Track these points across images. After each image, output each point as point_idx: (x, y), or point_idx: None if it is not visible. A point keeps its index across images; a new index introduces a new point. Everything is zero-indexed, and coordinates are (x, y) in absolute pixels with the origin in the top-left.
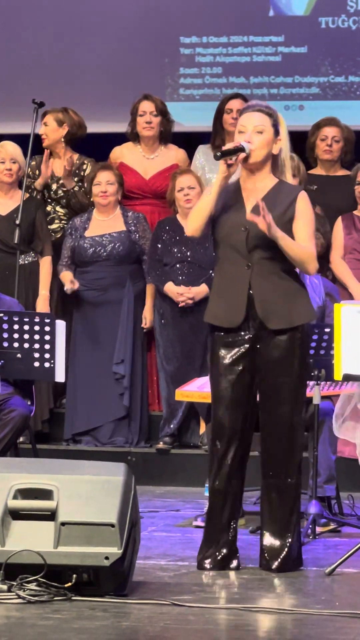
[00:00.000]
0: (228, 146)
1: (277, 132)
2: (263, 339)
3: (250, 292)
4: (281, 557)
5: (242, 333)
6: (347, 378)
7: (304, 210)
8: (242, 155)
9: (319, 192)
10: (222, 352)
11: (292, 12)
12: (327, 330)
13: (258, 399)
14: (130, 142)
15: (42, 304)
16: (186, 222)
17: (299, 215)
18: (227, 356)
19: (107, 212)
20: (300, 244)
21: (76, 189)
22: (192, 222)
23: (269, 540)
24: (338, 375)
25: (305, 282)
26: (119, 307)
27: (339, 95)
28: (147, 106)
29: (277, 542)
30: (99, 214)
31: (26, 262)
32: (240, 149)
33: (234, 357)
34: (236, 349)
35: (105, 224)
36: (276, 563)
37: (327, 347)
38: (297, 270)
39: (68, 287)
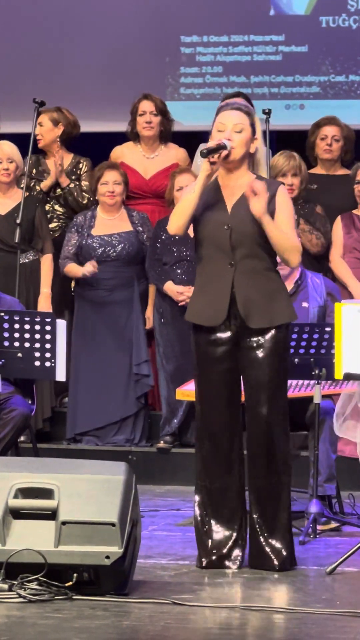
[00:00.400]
0: (211, 144)
1: (254, 132)
2: (244, 337)
3: (233, 290)
4: (272, 557)
5: (224, 331)
6: (348, 377)
7: (283, 203)
8: (224, 152)
9: (319, 191)
10: (205, 350)
11: (292, 12)
12: (327, 329)
13: (242, 398)
14: (130, 141)
15: (44, 302)
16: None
17: (279, 208)
18: (210, 355)
19: (112, 212)
20: (284, 232)
21: (72, 185)
22: (176, 221)
23: (256, 540)
24: (339, 374)
25: (307, 281)
26: (125, 307)
27: (339, 94)
28: (146, 106)
29: (265, 543)
30: (105, 212)
31: (26, 260)
32: (222, 147)
33: (217, 355)
34: (219, 348)
35: (111, 223)
36: (266, 563)
37: (328, 347)
38: (278, 268)
39: (90, 270)
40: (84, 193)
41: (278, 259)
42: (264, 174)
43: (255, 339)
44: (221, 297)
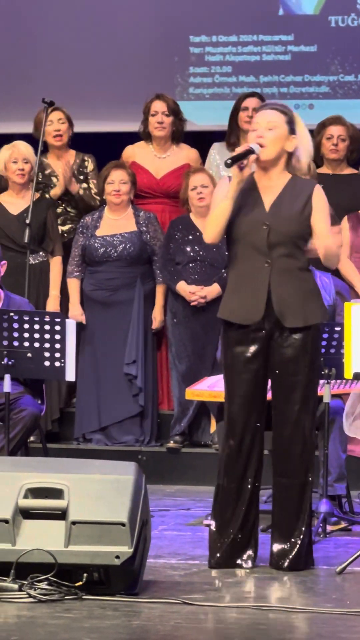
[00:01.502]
0: (238, 151)
1: (292, 131)
2: (277, 336)
3: (269, 289)
4: (290, 556)
5: (257, 330)
6: (358, 377)
7: (320, 203)
8: (253, 157)
9: (325, 191)
10: (237, 349)
11: (301, 11)
12: (337, 329)
13: (269, 396)
14: (142, 141)
15: (53, 305)
16: (203, 226)
17: (316, 209)
18: (242, 354)
19: (119, 211)
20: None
21: (81, 192)
22: (212, 230)
23: (277, 539)
24: (348, 374)
25: (316, 281)
26: (128, 307)
27: (348, 93)
28: (159, 106)
29: (286, 542)
30: (111, 212)
31: (36, 261)
32: (250, 152)
33: (249, 354)
34: (251, 347)
35: (116, 223)
36: (286, 562)
37: (338, 346)
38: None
39: (71, 317)
40: (95, 196)
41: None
42: (302, 172)
43: (288, 337)
44: (258, 296)
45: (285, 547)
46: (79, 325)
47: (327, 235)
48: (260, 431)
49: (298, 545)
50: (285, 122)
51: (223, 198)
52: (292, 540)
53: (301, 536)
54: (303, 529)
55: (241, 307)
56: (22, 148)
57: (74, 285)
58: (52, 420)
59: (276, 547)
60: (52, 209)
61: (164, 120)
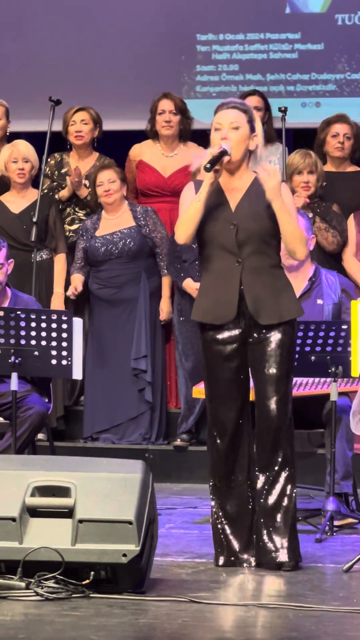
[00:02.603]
0: (213, 152)
1: (252, 129)
2: (253, 334)
3: (241, 287)
4: (276, 553)
5: (232, 329)
6: None
7: (285, 198)
8: (227, 158)
9: (329, 189)
10: (214, 349)
11: (308, 9)
12: (344, 327)
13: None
14: (149, 139)
15: (57, 302)
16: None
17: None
18: (220, 353)
19: (114, 210)
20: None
21: (89, 197)
22: (184, 230)
23: (260, 535)
24: (355, 372)
25: (321, 279)
26: (135, 304)
27: (355, 92)
28: (166, 105)
29: (270, 538)
30: (108, 213)
31: (40, 259)
32: (224, 153)
33: (226, 353)
34: (227, 346)
35: (114, 222)
36: (270, 558)
37: (345, 344)
38: (289, 262)
39: (70, 292)
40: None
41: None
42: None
43: (263, 334)
44: (230, 295)
45: (268, 544)
46: (87, 323)
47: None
48: (246, 429)
49: (284, 541)
50: (247, 122)
51: (195, 199)
52: (276, 536)
53: (286, 532)
54: (288, 524)
55: (214, 307)
56: (22, 147)
57: (77, 277)
58: (57, 417)
59: (259, 543)
60: (54, 206)
61: (172, 119)
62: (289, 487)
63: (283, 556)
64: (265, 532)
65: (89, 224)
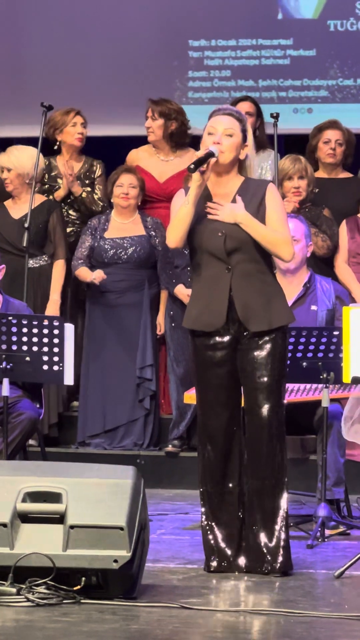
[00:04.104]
0: (199, 154)
1: (245, 138)
2: (243, 340)
3: (231, 294)
4: (268, 559)
5: (223, 336)
6: (356, 381)
7: (273, 200)
8: (213, 160)
9: (321, 195)
10: (204, 355)
11: (300, 15)
12: (336, 333)
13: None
14: (147, 145)
15: (52, 309)
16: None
17: (269, 205)
18: (210, 359)
19: (126, 215)
20: (271, 229)
21: (84, 195)
22: (174, 234)
23: (252, 542)
24: (347, 378)
25: (315, 285)
26: (135, 310)
27: (347, 98)
28: (149, 110)
29: (262, 545)
30: (118, 216)
31: (36, 265)
32: (210, 154)
33: (216, 360)
34: (218, 352)
35: (125, 226)
36: (262, 565)
37: (336, 350)
38: (284, 267)
39: (98, 277)
40: (98, 201)
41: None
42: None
43: (254, 341)
44: (219, 302)
45: (262, 550)
46: (85, 329)
47: (276, 227)
48: (237, 435)
49: (275, 549)
50: (240, 130)
51: (183, 202)
52: (268, 543)
53: (277, 539)
54: (279, 531)
55: (204, 314)
56: (3, 157)
57: (84, 270)
58: (49, 425)
59: (251, 550)
60: (56, 212)
61: (151, 124)
62: (280, 494)
63: (274, 562)
64: (256, 538)
65: (95, 222)
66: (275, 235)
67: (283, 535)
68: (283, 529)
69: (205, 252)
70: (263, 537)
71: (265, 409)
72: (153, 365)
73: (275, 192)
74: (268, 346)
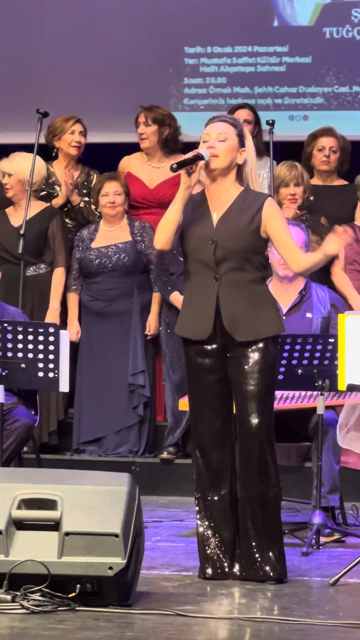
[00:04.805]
0: (186, 156)
1: (242, 143)
2: (232, 349)
3: (218, 303)
4: (263, 567)
5: (213, 344)
6: (351, 388)
7: (273, 214)
8: (201, 163)
9: (317, 202)
10: (195, 363)
11: (296, 22)
12: (331, 340)
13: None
14: (139, 152)
15: (52, 317)
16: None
17: (274, 221)
18: (200, 367)
19: (114, 223)
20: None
21: (81, 205)
22: (160, 235)
23: (247, 550)
24: (342, 386)
25: (311, 292)
26: (126, 318)
27: (343, 105)
28: (141, 117)
29: (257, 553)
30: (106, 224)
31: (34, 273)
32: (199, 157)
33: (206, 367)
34: (208, 359)
35: (111, 234)
36: (257, 573)
37: (331, 358)
38: (282, 274)
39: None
40: (96, 212)
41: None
42: (256, 186)
43: (243, 350)
44: (206, 311)
45: (257, 558)
46: (80, 336)
47: (297, 251)
48: (230, 442)
49: (269, 556)
50: (236, 135)
51: (172, 204)
52: (262, 551)
53: (272, 547)
54: (273, 539)
55: (192, 323)
56: (3, 163)
57: (72, 300)
58: (49, 432)
59: (246, 559)
60: (56, 219)
61: (144, 131)
62: (274, 501)
63: (269, 570)
64: (251, 545)
65: (85, 234)
66: (310, 265)
67: (278, 543)
68: (278, 536)
69: (195, 259)
70: (257, 545)
71: (255, 418)
72: (145, 371)
73: (275, 208)
74: (257, 355)
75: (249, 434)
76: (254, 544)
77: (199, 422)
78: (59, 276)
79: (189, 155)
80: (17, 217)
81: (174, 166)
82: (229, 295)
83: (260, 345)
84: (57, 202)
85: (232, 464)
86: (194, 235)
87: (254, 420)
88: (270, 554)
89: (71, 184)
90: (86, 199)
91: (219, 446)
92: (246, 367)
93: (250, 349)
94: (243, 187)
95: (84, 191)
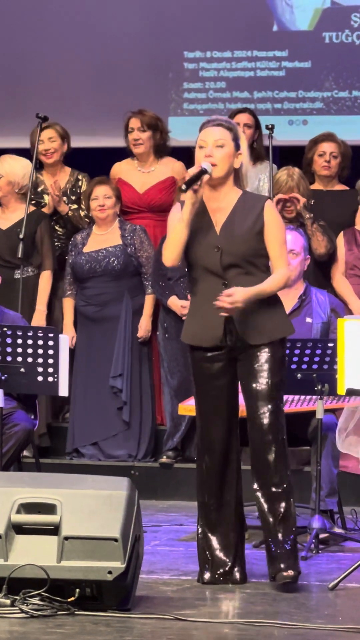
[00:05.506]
0: (190, 172)
1: (237, 146)
2: (242, 353)
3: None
4: (277, 566)
5: (220, 349)
6: (351, 392)
7: (272, 220)
8: (206, 177)
9: (318, 207)
10: (203, 368)
11: (295, 27)
12: (330, 345)
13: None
14: (128, 157)
15: (38, 320)
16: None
17: (268, 226)
18: (208, 372)
19: (105, 226)
20: (274, 277)
21: (70, 214)
22: (170, 253)
23: (269, 551)
24: (341, 390)
25: (311, 297)
26: (116, 322)
27: (342, 110)
28: (134, 122)
29: (271, 554)
30: (98, 228)
31: (23, 276)
32: (203, 172)
33: (214, 372)
34: (216, 364)
35: (102, 238)
36: (273, 572)
37: (331, 362)
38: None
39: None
40: (85, 218)
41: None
42: (245, 183)
43: (251, 353)
44: (216, 317)
45: (278, 558)
46: (76, 340)
47: (279, 266)
48: (235, 446)
49: (282, 557)
50: (232, 139)
51: (179, 220)
52: (276, 551)
53: (283, 547)
54: (286, 539)
55: (202, 330)
56: None
57: (68, 306)
58: (39, 435)
59: (270, 559)
60: (44, 223)
61: (140, 136)
62: (287, 502)
63: (288, 567)
64: (267, 548)
65: (78, 239)
66: (279, 280)
67: (292, 543)
68: (291, 535)
69: (201, 267)
70: (271, 546)
71: (267, 418)
72: (122, 375)
73: (274, 211)
74: (267, 355)
75: (261, 433)
76: (269, 544)
77: (206, 426)
78: (45, 279)
79: (194, 171)
80: (4, 219)
81: (183, 187)
82: None
83: (270, 346)
84: (44, 212)
85: (236, 469)
86: (198, 244)
87: (265, 421)
88: (283, 554)
89: (58, 195)
90: (74, 206)
91: (225, 450)
92: (257, 367)
93: (260, 351)
94: (241, 189)
95: (72, 197)
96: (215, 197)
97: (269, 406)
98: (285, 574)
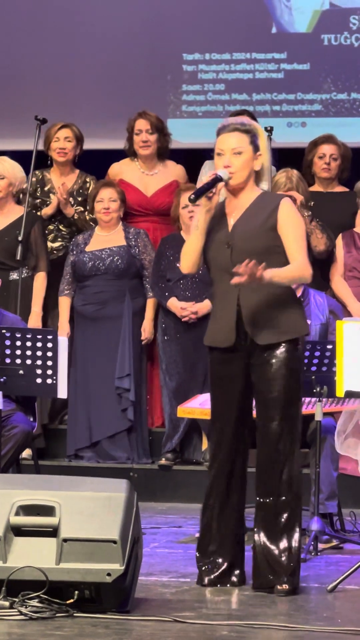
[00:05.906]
0: (204, 182)
1: (256, 148)
2: (255, 354)
3: (239, 308)
4: (278, 576)
5: (236, 350)
6: (349, 395)
7: (288, 215)
8: (221, 184)
9: (317, 209)
10: (218, 370)
11: (294, 29)
12: (329, 347)
13: (254, 415)
14: (127, 158)
15: (34, 322)
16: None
17: (284, 221)
18: (223, 374)
19: (109, 229)
20: (291, 266)
21: (76, 217)
22: (187, 261)
23: (262, 559)
24: (340, 392)
25: (309, 299)
26: (117, 321)
27: (341, 112)
28: (142, 124)
29: (273, 562)
30: (101, 230)
31: (17, 278)
32: (218, 180)
33: (229, 374)
34: (231, 367)
35: (106, 239)
36: (271, 582)
37: (329, 364)
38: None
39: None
40: (90, 222)
41: None
42: (266, 177)
43: (265, 355)
44: (228, 318)
45: (273, 567)
46: (69, 340)
47: (295, 258)
48: (245, 450)
49: (285, 565)
50: (249, 143)
51: (194, 228)
52: (279, 560)
53: (288, 556)
54: (290, 548)
55: (218, 331)
56: None
57: (63, 304)
58: (35, 435)
59: (261, 567)
60: (37, 224)
61: (149, 138)
62: (293, 510)
63: (286, 579)
64: (267, 556)
65: (80, 239)
66: (298, 269)
67: (295, 552)
68: (295, 544)
69: (215, 267)
70: (274, 554)
71: (275, 425)
72: (130, 375)
73: (291, 207)
74: (279, 360)
75: (271, 440)
76: (270, 552)
77: (221, 430)
78: (40, 280)
79: (208, 179)
80: None
81: (191, 197)
82: (250, 299)
83: (282, 349)
84: (46, 212)
85: (242, 472)
86: (212, 243)
87: (276, 426)
88: (286, 563)
89: (65, 198)
90: (80, 208)
91: (234, 454)
92: (269, 372)
93: (273, 353)
94: (261, 190)
95: (79, 199)
96: (235, 197)
97: (280, 413)
98: (280, 587)
